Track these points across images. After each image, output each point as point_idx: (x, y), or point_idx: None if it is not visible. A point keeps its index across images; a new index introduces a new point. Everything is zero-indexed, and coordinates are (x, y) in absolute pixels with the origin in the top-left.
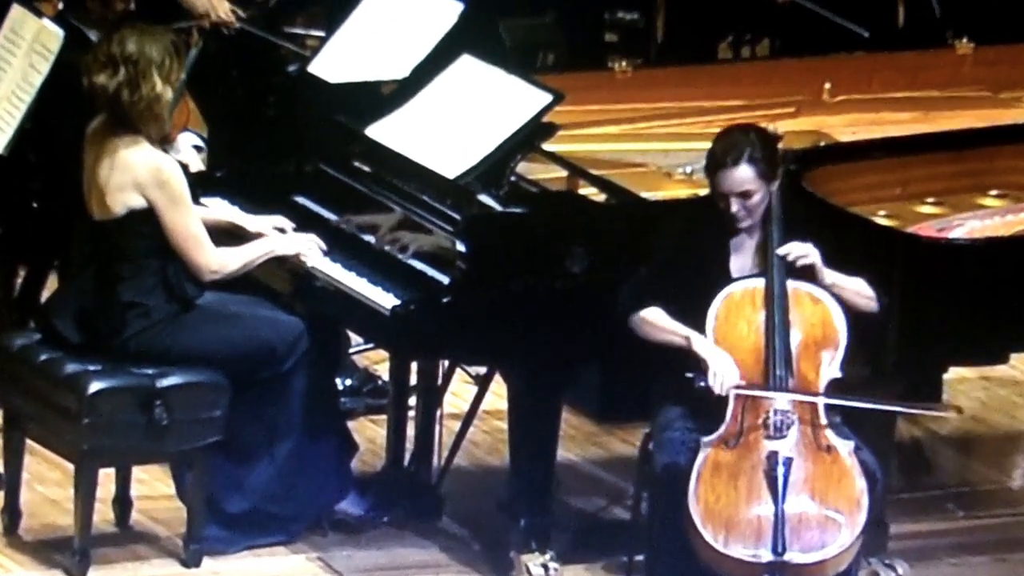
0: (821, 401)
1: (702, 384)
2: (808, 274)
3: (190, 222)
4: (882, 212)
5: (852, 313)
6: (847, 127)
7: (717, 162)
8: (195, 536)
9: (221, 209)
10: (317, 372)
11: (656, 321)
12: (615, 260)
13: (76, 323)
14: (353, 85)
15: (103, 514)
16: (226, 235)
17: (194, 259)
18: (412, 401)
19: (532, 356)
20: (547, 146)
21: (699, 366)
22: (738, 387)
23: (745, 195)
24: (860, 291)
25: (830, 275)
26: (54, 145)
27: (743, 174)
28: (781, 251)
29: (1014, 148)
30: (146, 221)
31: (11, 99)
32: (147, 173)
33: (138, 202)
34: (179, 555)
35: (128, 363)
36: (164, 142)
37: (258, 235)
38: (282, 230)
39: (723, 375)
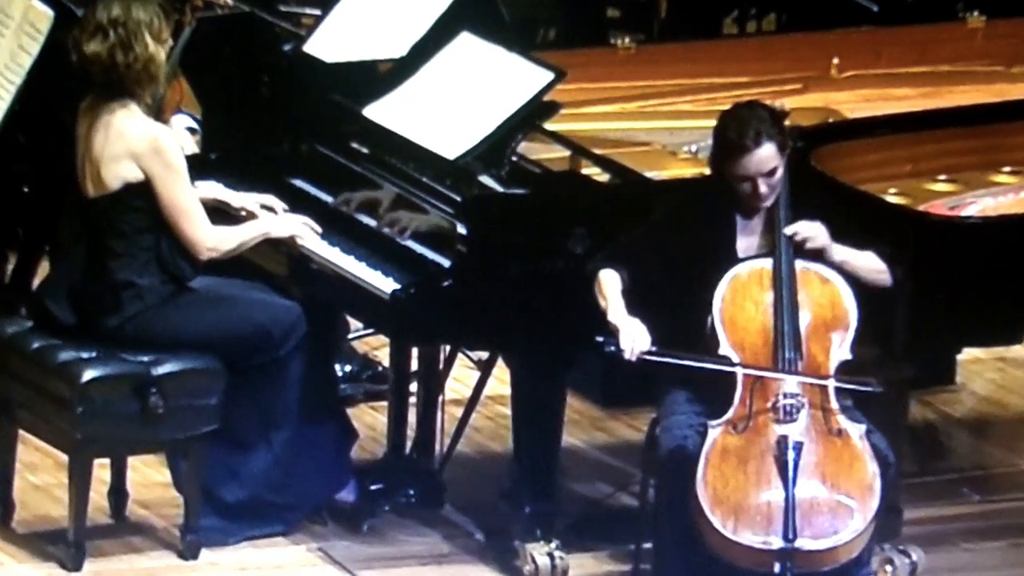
0: (739, 371)
1: (611, 349)
2: (817, 254)
3: (186, 194)
4: (892, 190)
5: (866, 289)
6: (856, 103)
7: (735, 146)
8: (192, 527)
9: (211, 188)
10: (315, 358)
11: (602, 283)
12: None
13: (70, 304)
14: (350, 64)
15: (98, 505)
16: (217, 216)
17: (189, 234)
18: (413, 387)
19: (535, 340)
20: (549, 125)
21: (612, 333)
22: (650, 353)
23: (771, 173)
24: (872, 266)
25: (840, 252)
26: (45, 127)
27: (767, 151)
28: (788, 230)
29: None
30: (141, 195)
31: (0, 80)
32: (143, 142)
33: (134, 174)
34: (176, 546)
35: (122, 348)
36: (159, 122)
37: (249, 215)
38: (272, 209)
39: (633, 339)
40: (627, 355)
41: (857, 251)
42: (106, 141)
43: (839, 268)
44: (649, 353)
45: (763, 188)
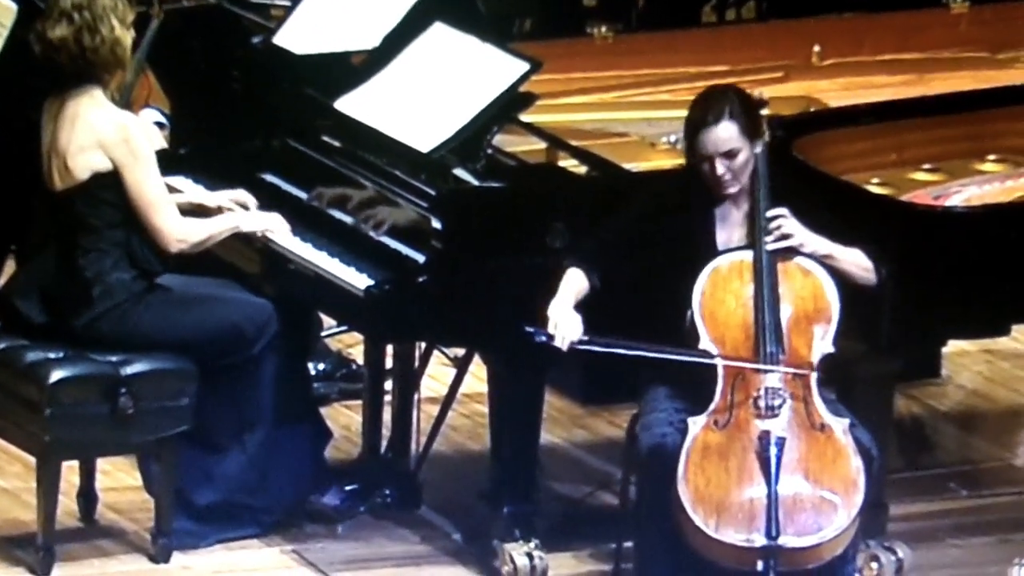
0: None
1: (541, 339)
2: (791, 251)
3: (154, 184)
4: (875, 180)
5: (848, 286)
6: (838, 92)
7: (696, 123)
8: (164, 530)
9: (180, 184)
10: (288, 357)
11: (562, 279)
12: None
13: (39, 303)
14: (321, 56)
15: (67, 508)
16: (188, 215)
17: (157, 225)
18: (388, 385)
19: (513, 337)
20: (525, 117)
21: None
22: (582, 342)
23: (730, 155)
24: (857, 262)
25: (822, 247)
26: (9, 125)
27: (726, 132)
28: (771, 213)
29: (1013, 111)
30: (110, 186)
31: None
32: (112, 130)
33: (102, 163)
34: (147, 550)
35: (93, 347)
36: None
37: (220, 211)
38: (244, 205)
39: (563, 328)
40: (557, 343)
41: (842, 247)
42: (73, 131)
43: (822, 262)
44: (582, 343)
45: (720, 169)
